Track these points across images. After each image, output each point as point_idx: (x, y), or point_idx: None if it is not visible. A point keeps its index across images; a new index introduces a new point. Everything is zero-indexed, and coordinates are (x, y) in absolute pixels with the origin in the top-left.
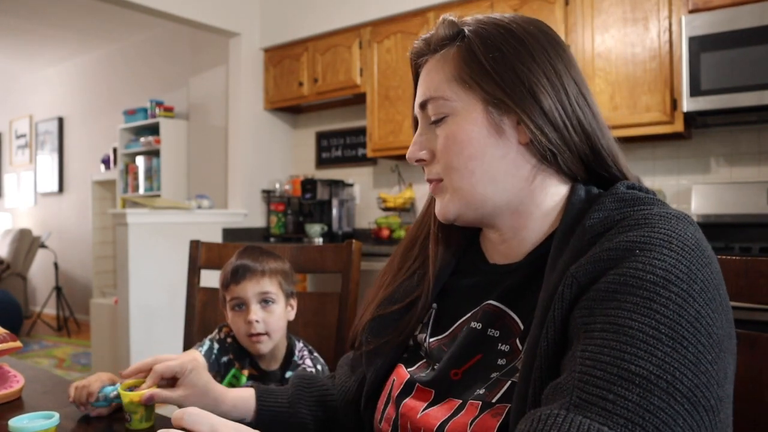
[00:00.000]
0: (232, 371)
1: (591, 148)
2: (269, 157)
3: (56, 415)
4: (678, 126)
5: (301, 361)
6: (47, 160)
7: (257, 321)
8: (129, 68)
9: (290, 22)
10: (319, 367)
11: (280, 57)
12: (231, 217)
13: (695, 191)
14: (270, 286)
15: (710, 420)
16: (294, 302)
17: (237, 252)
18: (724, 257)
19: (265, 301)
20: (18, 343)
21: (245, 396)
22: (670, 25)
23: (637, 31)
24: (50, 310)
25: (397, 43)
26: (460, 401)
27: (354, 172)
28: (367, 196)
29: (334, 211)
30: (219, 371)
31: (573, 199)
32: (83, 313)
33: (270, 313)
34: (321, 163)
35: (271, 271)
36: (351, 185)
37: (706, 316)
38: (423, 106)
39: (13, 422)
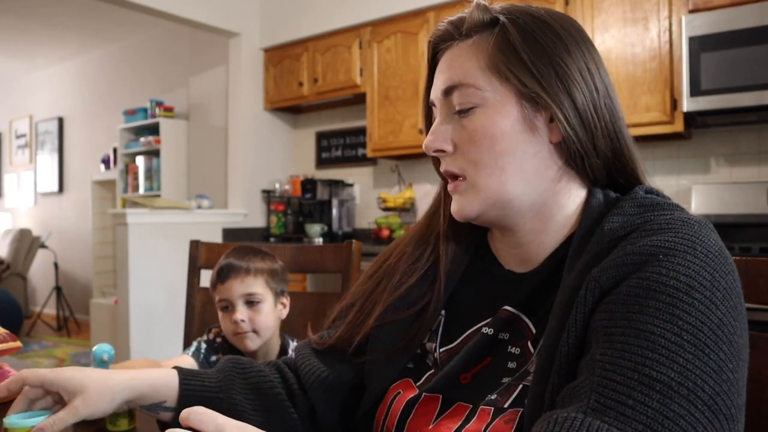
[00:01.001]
0: None
1: (614, 152)
2: (269, 157)
3: (48, 413)
4: (678, 126)
5: None
6: (47, 160)
7: (243, 320)
8: (129, 68)
9: (290, 22)
10: None
11: (280, 57)
12: (231, 217)
13: (695, 191)
14: (255, 286)
15: (730, 429)
16: (286, 300)
17: (226, 252)
18: None
19: (251, 302)
20: (18, 343)
21: (165, 377)
22: (670, 25)
23: (637, 31)
24: (50, 310)
25: (397, 43)
26: (471, 406)
27: (354, 172)
28: (367, 196)
29: (334, 211)
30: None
31: (592, 202)
32: (83, 313)
33: (257, 312)
34: (321, 163)
35: (256, 270)
36: (351, 185)
37: (728, 324)
38: (448, 92)
39: (8, 419)
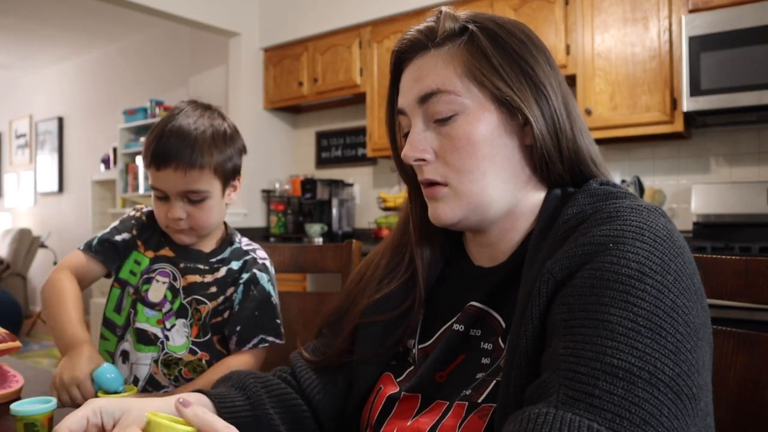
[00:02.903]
0: (133, 254)
1: (577, 156)
2: (269, 157)
3: (54, 400)
4: (678, 126)
5: (249, 247)
6: (47, 160)
7: (181, 219)
8: (129, 68)
9: (290, 21)
10: (272, 270)
11: (279, 57)
12: (231, 217)
13: (695, 191)
14: (200, 182)
15: (693, 407)
16: (238, 183)
17: (165, 118)
18: (724, 257)
19: (192, 200)
20: (18, 343)
21: (202, 402)
22: (670, 24)
23: (637, 30)
24: None
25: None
26: (447, 403)
27: (354, 172)
28: (367, 196)
29: (334, 211)
30: (119, 255)
31: (549, 197)
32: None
33: (200, 210)
34: (321, 162)
35: (202, 165)
36: (351, 185)
37: (682, 305)
38: (424, 100)
39: (15, 405)
